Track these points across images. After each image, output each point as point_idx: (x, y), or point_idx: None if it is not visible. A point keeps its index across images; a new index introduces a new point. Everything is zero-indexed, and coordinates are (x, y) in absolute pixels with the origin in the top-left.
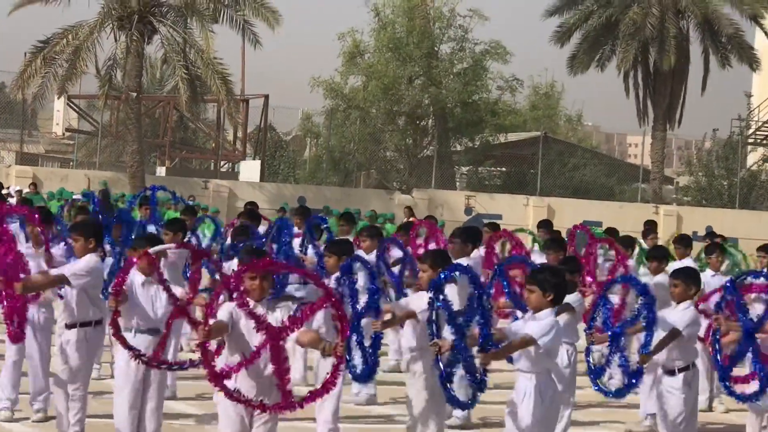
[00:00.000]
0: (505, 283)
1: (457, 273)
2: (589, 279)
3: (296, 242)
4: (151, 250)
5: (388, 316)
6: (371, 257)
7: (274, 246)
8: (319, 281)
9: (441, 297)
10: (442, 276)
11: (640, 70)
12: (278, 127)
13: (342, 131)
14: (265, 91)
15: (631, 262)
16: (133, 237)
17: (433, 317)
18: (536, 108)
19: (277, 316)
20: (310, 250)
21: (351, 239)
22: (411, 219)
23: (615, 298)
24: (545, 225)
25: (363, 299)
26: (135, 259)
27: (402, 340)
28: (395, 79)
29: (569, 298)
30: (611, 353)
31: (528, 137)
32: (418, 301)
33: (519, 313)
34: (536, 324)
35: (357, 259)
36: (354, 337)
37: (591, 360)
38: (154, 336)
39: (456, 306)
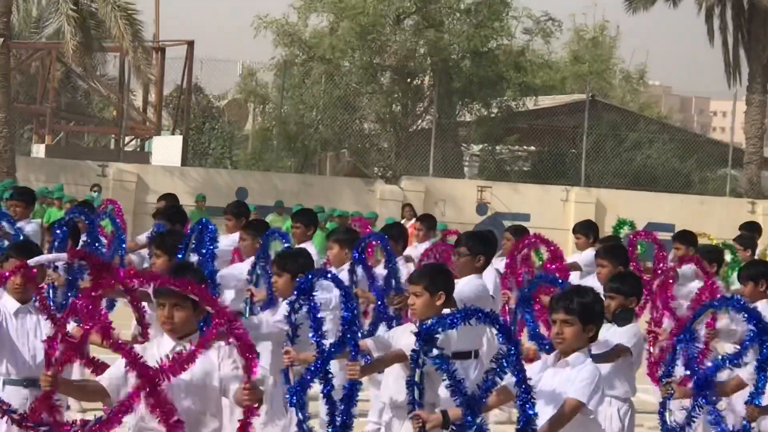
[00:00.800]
0: (527, 316)
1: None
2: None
3: (244, 265)
4: (29, 263)
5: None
6: (343, 272)
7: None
8: (218, 307)
9: (433, 351)
10: (432, 324)
11: (730, 6)
12: (208, 88)
13: (300, 94)
14: (189, 36)
15: (719, 283)
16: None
17: (416, 377)
18: (580, 61)
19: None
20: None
21: (310, 248)
22: (408, 223)
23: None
24: (586, 228)
25: (329, 331)
26: (6, 275)
27: (383, 392)
28: (377, 17)
29: (624, 333)
30: (696, 408)
31: (568, 102)
32: (406, 336)
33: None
34: (576, 376)
35: (321, 275)
36: (319, 387)
37: (669, 420)
38: (32, 388)
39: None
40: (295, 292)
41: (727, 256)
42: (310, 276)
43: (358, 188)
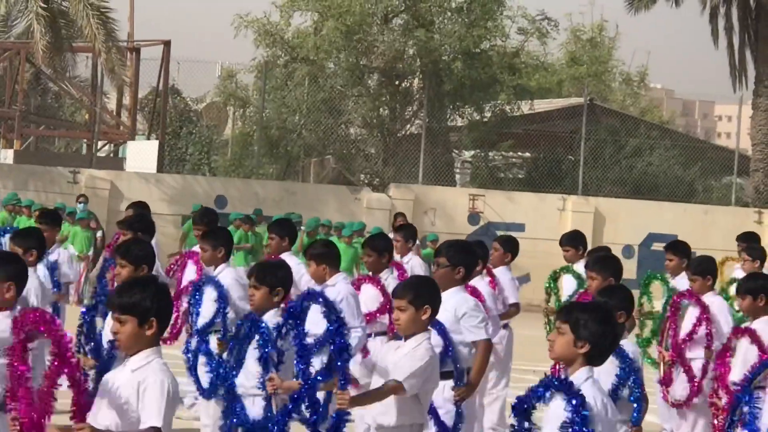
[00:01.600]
0: None
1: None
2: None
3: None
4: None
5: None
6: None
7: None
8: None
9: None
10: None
11: (736, 5)
12: (186, 90)
13: (282, 97)
14: (166, 35)
15: (717, 306)
16: None
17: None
18: (577, 63)
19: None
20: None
21: (290, 259)
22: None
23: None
24: (574, 240)
25: (313, 357)
26: None
27: (367, 413)
28: (363, 17)
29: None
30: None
31: (565, 106)
32: (391, 354)
33: None
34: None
35: (310, 296)
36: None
37: None
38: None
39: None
40: (284, 316)
41: (736, 272)
42: (302, 300)
43: (343, 196)
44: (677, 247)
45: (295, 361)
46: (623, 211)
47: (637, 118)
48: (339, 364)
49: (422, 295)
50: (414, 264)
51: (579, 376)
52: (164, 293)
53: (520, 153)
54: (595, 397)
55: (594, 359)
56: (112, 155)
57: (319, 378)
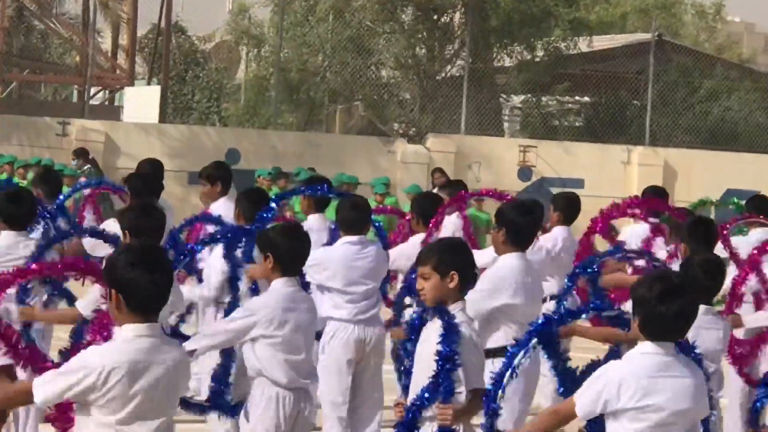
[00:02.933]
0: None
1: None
2: None
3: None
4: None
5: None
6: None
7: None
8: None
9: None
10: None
11: None
12: (191, 27)
13: (303, 34)
14: None
15: None
16: None
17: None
18: None
19: None
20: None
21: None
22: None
23: None
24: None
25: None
26: None
27: None
28: None
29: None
30: None
31: (630, 43)
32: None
33: None
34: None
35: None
36: None
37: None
38: None
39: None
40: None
41: None
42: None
43: (374, 149)
44: (761, 204)
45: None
46: (697, 164)
47: (713, 56)
48: (444, 374)
49: (446, 259)
50: (447, 223)
51: (453, 308)
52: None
53: (577, 97)
54: (466, 325)
55: (466, 287)
56: (107, 103)
57: (426, 396)
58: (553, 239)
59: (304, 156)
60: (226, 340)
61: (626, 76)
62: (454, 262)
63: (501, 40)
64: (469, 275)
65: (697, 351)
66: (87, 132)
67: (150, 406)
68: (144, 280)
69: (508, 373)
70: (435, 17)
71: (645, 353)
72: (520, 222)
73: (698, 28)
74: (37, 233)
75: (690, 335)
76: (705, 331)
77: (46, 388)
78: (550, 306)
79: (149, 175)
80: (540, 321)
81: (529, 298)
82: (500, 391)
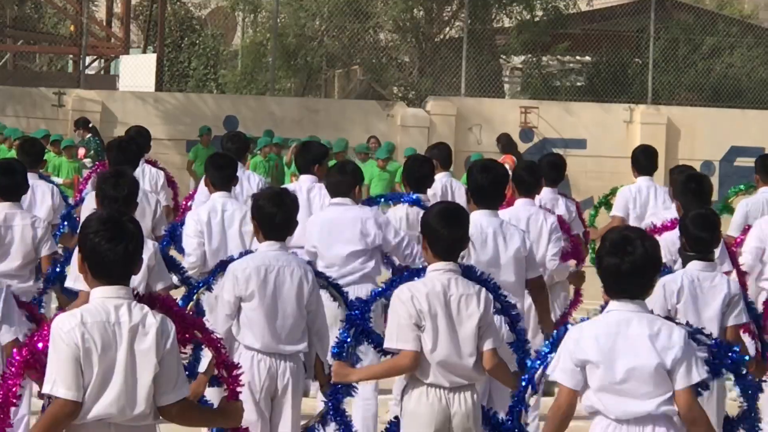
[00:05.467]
0: None
1: None
2: None
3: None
4: None
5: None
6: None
7: None
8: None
9: None
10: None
11: None
12: None
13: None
14: None
15: None
16: None
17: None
18: None
19: None
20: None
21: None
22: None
23: None
24: (646, 157)
25: None
26: None
27: None
28: None
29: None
30: None
31: (630, 1)
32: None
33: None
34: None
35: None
36: None
37: None
38: None
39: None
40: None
41: None
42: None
43: (373, 113)
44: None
45: None
46: (701, 122)
47: (715, 12)
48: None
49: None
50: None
51: (429, 269)
52: None
53: (578, 57)
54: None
55: (435, 247)
56: (102, 72)
57: None
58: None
59: (302, 122)
60: (232, 308)
61: (627, 35)
62: (422, 225)
63: (500, 1)
64: (433, 236)
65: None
66: (83, 102)
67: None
68: (104, 249)
69: (529, 391)
70: None
71: (607, 311)
72: (479, 181)
73: None
74: (44, 210)
75: (688, 296)
76: (705, 291)
77: None
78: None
79: (124, 141)
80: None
81: (488, 253)
82: (523, 410)
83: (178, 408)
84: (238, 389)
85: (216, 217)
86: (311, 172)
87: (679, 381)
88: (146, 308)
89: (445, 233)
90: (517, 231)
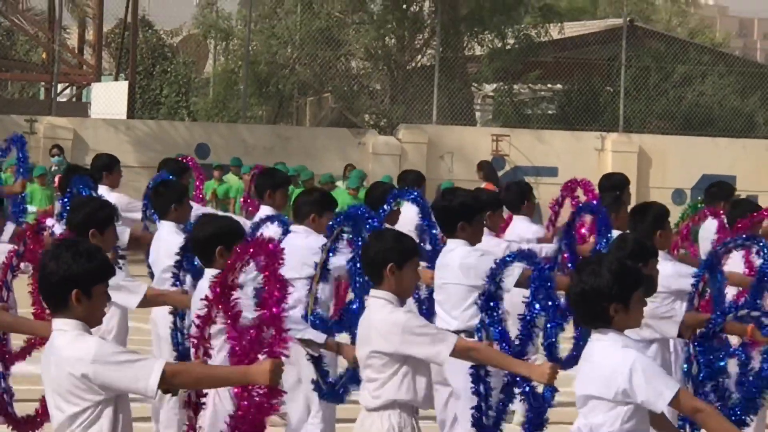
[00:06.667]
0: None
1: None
2: None
3: None
4: None
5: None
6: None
7: None
8: None
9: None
10: None
11: None
12: (158, 21)
13: (272, 27)
14: None
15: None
16: None
17: None
18: None
19: None
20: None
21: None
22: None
23: None
24: (611, 181)
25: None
26: None
27: None
28: None
29: None
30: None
31: (602, 30)
32: None
33: None
34: None
35: None
36: None
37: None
38: None
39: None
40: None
41: None
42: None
43: (345, 140)
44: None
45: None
46: (672, 150)
47: (686, 40)
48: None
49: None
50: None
51: None
52: None
53: (549, 85)
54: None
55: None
56: (74, 100)
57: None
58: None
59: (274, 149)
60: None
61: (599, 63)
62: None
63: (471, 29)
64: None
65: None
66: (55, 129)
67: None
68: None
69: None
70: (404, 6)
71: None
72: (438, 208)
73: (670, 12)
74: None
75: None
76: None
77: None
78: None
79: (78, 171)
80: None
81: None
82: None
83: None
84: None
85: None
86: (264, 199)
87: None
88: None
89: None
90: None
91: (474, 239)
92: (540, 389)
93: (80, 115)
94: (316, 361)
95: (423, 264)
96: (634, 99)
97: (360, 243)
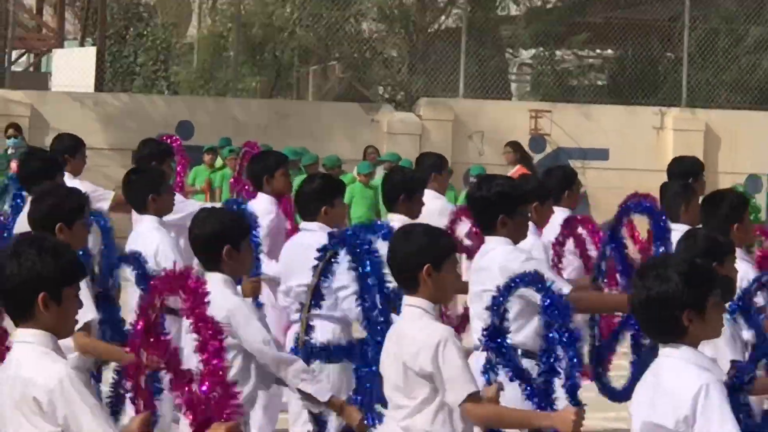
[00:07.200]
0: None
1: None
2: None
3: None
4: None
5: None
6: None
7: None
8: None
9: None
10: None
11: None
12: None
13: None
14: None
15: None
16: None
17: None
18: None
19: None
20: None
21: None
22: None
23: None
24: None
25: None
26: None
27: None
28: None
29: None
30: None
31: None
32: None
33: None
34: None
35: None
36: None
37: None
38: None
39: None
40: None
41: None
42: None
43: (355, 117)
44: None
45: None
46: (745, 128)
47: None
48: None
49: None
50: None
51: None
52: None
53: (599, 51)
54: None
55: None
56: (32, 69)
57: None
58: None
59: (269, 128)
60: None
61: (657, 24)
62: None
63: None
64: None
65: None
66: (8, 105)
67: None
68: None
69: None
70: None
71: None
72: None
73: None
74: None
75: None
76: None
77: None
78: None
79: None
80: None
81: None
82: None
83: None
84: None
85: None
86: (262, 187)
87: None
88: None
89: None
90: None
91: (517, 236)
92: None
93: (39, 88)
94: (315, 418)
95: None
96: (700, 68)
97: (364, 272)
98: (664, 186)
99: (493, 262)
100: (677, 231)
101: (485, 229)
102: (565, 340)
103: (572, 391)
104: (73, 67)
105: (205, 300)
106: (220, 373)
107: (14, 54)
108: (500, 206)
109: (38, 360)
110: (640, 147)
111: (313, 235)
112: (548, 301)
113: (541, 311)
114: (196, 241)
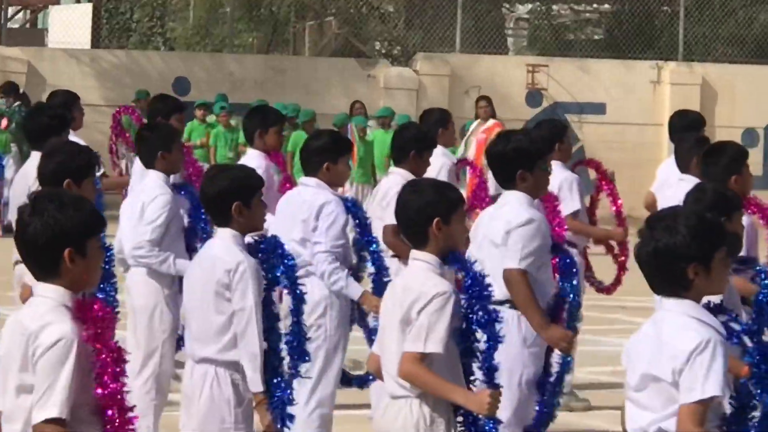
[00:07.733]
0: None
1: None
2: None
3: None
4: None
5: None
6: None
7: None
8: None
9: None
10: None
11: None
12: None
13: None
14: None
15: None
16: None
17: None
18: None
19: None
20: None
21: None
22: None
23: None
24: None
25: None
26: None
27: None
28: None
29: None
30: None
31: None
32: None
33: None
34: None
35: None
36: None
37: None
38: None
39: None
40: None
41: None
42: None
43: (352, 73)
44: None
45: None
46: (741, 82)
47: None
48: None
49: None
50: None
51: None
52: None
53: (595, 5)
54: None
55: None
56: (28, 26)
57: None
58: None
59: (266, 84)
60: None
61: None
62: None
63: None
64: None
65: None
66: (5, 61)
67: None
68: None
69: None
70: None
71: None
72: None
73: None
74: None
75: None
76: None
77: None
78: None
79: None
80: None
81: None
82: None
83: None
84: None
85: None
86: (253, 141)
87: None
88: None
89: None
90: None
91: (537, 190)
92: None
93: (35, 44)
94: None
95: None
96: (697, 21)
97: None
98: (679, 138)
99: (501, 219)
100: (686, 182)
101: (506, 185)
102: (482, 320)
103: (489, 373)
104: (70, 23)
105: (110, 327)
106: (119, 397)
107: (10, 10)
108: (518, 161)
109: (49, 313)
110: (637, 101)
111: (309, 190)
112: (469, 281)
113: (463, 290)
114: (207, 198)
